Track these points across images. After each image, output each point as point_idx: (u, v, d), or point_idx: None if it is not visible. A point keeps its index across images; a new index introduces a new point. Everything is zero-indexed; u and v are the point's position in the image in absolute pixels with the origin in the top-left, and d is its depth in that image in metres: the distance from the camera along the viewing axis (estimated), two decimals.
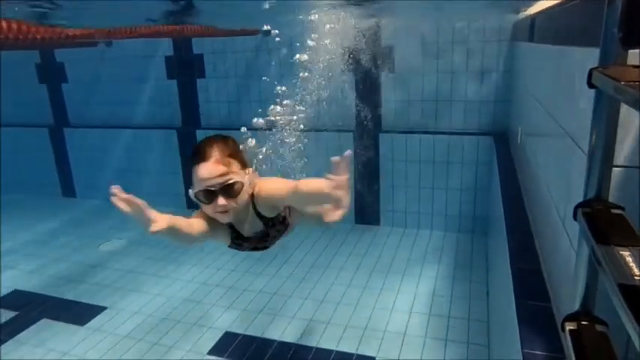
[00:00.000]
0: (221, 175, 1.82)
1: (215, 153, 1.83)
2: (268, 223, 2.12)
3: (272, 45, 5.61)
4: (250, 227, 2.10)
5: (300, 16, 4.04)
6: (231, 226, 2.08)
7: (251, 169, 2.01)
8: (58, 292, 4.65)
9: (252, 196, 1.99)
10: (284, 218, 2.20)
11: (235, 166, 1.89)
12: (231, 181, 1.84)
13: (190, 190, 1.87)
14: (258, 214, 2.06)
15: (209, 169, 1.81)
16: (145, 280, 4.78)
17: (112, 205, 1.43)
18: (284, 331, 3.82)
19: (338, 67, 5.49)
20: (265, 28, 5.43)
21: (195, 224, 1.88)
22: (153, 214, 1.52)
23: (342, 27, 4.45)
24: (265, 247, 2.30)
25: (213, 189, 1.82)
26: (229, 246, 2.17)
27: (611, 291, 0.84)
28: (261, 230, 2.14)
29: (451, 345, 3.54)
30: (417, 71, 5.34)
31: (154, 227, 1.50)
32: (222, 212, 1.88)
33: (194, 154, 1.86)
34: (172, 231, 1.65)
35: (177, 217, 1.71)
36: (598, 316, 1.14)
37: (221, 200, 1.83)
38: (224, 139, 1.93)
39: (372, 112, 5.55)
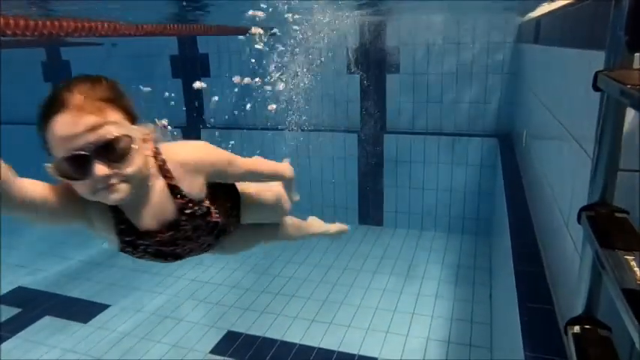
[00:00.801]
0: (92, 129, 1.14)
1: (77, 97, 1.14)
2: (185, 207, 1.37)
3: (275, 45, 5.62)
4: (153, 212, 1.35)
5: (303, 16, 4.04)
6: (115, 211, 1.33)
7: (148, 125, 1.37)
8: (61, 289, 4.68)
9: (162, 163, 1.35)
10: (208, 210, 1.44)
11: (114, 114, 1.21)
12: (110, 136, 1.16)
13: (47, 165, 1.19)
14: (174, 190, 1.35)
15: (70, 122, 1.12)
16: (148, 278, 4.79)
17: None
18: (286, 331, 3.83)
19: (342, 68, 5.51)
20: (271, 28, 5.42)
21: (38, 188, 1.24)
22: None
23: (346, 27, 4.45)
24: (176, 256, 1.50)
25: (83, 153, 1.14)
26: (120, 250, 1.42)
27: (615, 295, 0.84)
28: (171, 217, 1.38)
29: (453, 347, 3.53)
30: (422, 72, 5.34)
31: None
32: (106, 188, 1.19)
33: (45, 106, 1.16)
34: None
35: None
36: (601, 320, 1.14)
37: (100, 169, 1.15)
38: (91, 79, 1.23)
39: (377, 113, 5.56)
